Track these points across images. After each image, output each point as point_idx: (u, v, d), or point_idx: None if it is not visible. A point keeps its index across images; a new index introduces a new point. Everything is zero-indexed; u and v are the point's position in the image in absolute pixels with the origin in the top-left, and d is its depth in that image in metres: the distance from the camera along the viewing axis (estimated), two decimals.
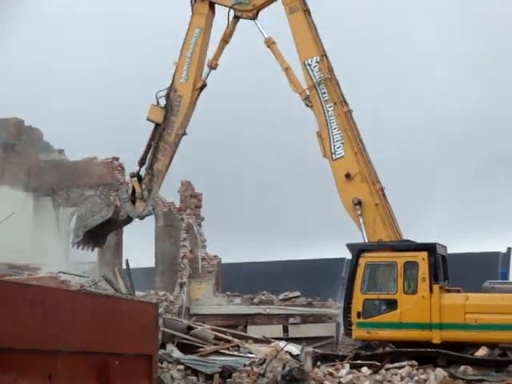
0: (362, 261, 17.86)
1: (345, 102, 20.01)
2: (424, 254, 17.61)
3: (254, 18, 20.99)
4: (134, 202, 21.84)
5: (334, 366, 16.54)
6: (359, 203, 19.12)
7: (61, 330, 9.28)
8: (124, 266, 25.98)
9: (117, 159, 28.74)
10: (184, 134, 21.65)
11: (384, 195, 19.50)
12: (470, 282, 19.17)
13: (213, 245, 27.78)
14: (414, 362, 16.39)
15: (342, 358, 17.32)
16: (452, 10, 46.44)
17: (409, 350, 17.20)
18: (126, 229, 28.68)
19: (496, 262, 32.65)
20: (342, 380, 15.49)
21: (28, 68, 46.25)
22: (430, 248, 17.79)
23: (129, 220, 22.69)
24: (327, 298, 25.23)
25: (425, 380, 15.41)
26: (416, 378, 15.55)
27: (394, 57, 45.35)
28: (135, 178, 21.79)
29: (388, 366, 16.33)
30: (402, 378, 15.54)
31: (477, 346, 17.14)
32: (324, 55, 20.12)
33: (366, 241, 19.07)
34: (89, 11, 48.67)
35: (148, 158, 21.61)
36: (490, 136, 45.43)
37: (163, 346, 17.57)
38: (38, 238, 28.07)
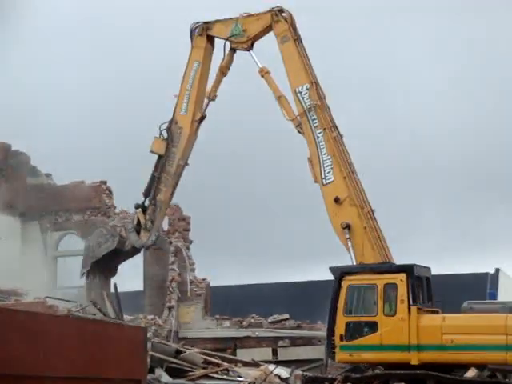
0: (344, 284, 18.08)
1: (335, 127, 20.40)
2: (402, 276, 17.75)
3: (250, 49, 21.64)
4: (138, 233, 22.57)
5: None
6: (348, 227, 19.34)
7: (48, 355, 9.24)
8: (112, 290, 25.88)
9: (104, 183, 28.70)
10: (186, 164, 22.37)
11: (373, 218, 19.69)
12: (458, 304, 19.18)
13: (201, 268, 27.74)
14: None
15: (332, 381, 17.29)
16: (438, 34, 46.91)
17: (398, 372, 17.18)
18: None
19: (485, 283, 32.70)
20: None
21: (14, 91, 46.23)
22: (408, 270, 17.91)
23: (135, 250, 23.30)
24: (316, 321, 25.16)
25: None
26: None
27: (380, 81, 45.66)
28: (140, 209, 22.48)
29: None
30: None
31: (463, 367, 17.14)
32: (314, 82, 20.59)
33: (353, 263, 19.15)
34: (76, 32, 48.79)
35: (152, 189, 22.29)
36: (478, 158, 45.71)
37: (152, 371, 17.47)
38: (25, 263, 27.93)
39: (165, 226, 27.66)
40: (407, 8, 45.86)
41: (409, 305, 17.47)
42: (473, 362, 17.13)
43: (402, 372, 17.13)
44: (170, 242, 27.25)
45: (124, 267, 28.58)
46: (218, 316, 26.60)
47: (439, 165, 45.29)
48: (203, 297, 26.84)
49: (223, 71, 22.01)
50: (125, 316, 24.12)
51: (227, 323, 26.14)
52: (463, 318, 17.47)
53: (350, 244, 19.30)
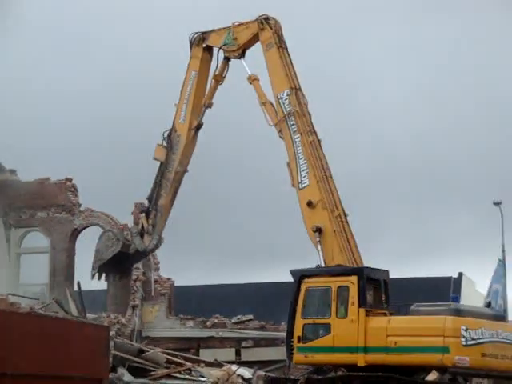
0: (303, 286, 18.23)
1: (313, 132, 20.73)
2: (354, 279, 17.85)
3: (241, 56, 22.39)
4: (143, 237, 23.71)
5: None
6: (319, 230, 19.66)
7: (9, 352, 9.16)
8: (76, 288, 25.70)
9: (70, 180, 28.49)
10: (185, 171, 23.38)
11: (345, 221, 19.98)
12: None
13: (166, 267, 27.66)
14: None
15: (294, 382, 17.32)
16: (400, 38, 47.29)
17: (360, 374, 17.26)
18: (78, 250, 28.48)
19: (448, 287, 32.97)
20: None
21: None
22: (358, 272, 18.08)
23: (142, 253, 24.15)
24: (280, 322, 25.20)
25: None
26: None
27: (343, 82, 45.87)
28: (144, 214, 23.57)
29: None
30: None
31: (408, 369, 17.23)
32: (295, 88, 21.04)
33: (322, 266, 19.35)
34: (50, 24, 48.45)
35: (154, 194, 23.37)
36: (439, 161, 46.15)
37: (114, 370, 17.39)
38: None
39: (130, 224, 27.54)
40: (374, 8, 46.27)
41: (358, 307, 17.60)
42: (414, 364, 17.14)
43: (364, 374, 17.20)
44: None
45: (88, 266, 28.49)
46: (181, 316, 26.55)
47: (401, 165, 45.70)
48: (167, 296, 26.78)
49: (218, 79, 22.83)
50: (88, 314, 23.99)
51: (191, 323, 26.11)
52: (406, 320, 17.60)
53: (319, 247, 19.56)
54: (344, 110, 45.16)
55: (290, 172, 20.50)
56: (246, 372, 19.25)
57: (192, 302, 30.93)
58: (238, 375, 18.32)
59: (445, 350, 16.62)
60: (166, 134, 23.12)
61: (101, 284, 27.65)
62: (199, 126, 23.06)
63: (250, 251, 42.06)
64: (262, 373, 18.70)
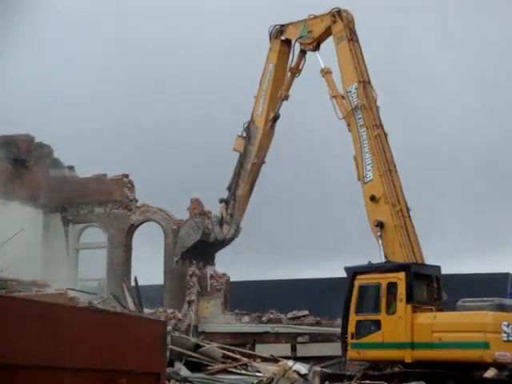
0: (356, 283, 18.39)
1: (379, 125, 20.74)
2: (401, 275, 17.91)
3: (315, 49, 22.57)
4: (222, 226, 24.40)
5: None
6: (380, 225, 19.69)
7: (69, 346, 9.28)
8: (133, 283, 25.97)
9: (126, 176, 28.80)
10: (262, 162, 23.85)
11: (407, 216, 19.94)
12: None
13: (222, 263, 27.77)
14: (423, 383, 16.31)
15: (350, 378, 17.29)
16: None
17: (417, 370, 17.15)
18: (135, 246, 28.77)
19: (505, 283, 32.50)
20: None
21: (40, 84, 46.50)
22: (406, 268, 18.10)
23: (223, 242, 24.71)
24: (336, 318, 25.10)
25: None
26: None
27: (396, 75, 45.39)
28: (223, 204, 24.18)
29: None
30: None
31: (453, 364, 17.08)
32: (363, 82, 21.04)
33: (382, 261, 19.36)
34: (102, 19, 48.95)
35: (233, 184, 23.95)
36: (499, 157, 45.42)
37: (171, 364, 17.52)
38: (47, 255, 28.09)
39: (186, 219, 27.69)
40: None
41: (406, 303, 17.63)
42: (457, 360, 17.10)
43: (421, 370, 17.08)
44: None
45: (144, 261, 28.76)
46: (237, 311, 26.62)
47: (458, 162, 45.09)
48: (223, 292, 26.86)
49: (294, 72, 23.09)
50: (145, 309, 24.21)
51: (246, 318, 26.15)
52: (451, 316, 17.59)
53: (380, 242, 19.61)
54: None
55: (355, 166, 20.55)
56: (302, 368, 19.19)
57: (247, 297, 30.99)
58: (294, 371, 18.28)
59: (485, 345, 16.52)
60: (245, 126, 23.57)
61: (157, 279, 27.94)
62: (276, 118, 23.31)
63: (303, 246, 41.97)
64: (318, 368, 18.64)
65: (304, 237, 42.63)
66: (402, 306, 17.64)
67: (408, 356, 17.37)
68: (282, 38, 23.01)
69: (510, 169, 44.67)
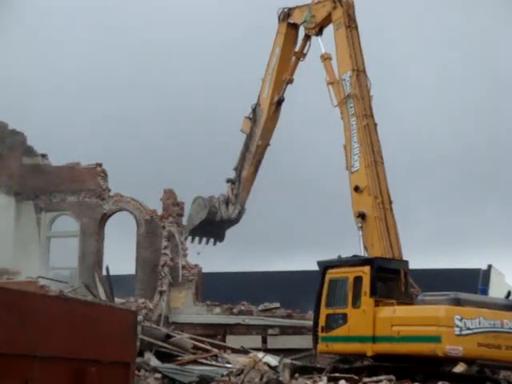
0: (327, 277, 18.55)
1: (370, 115, 20.65)
2: (366, 269, 18.07)
3: (318, 34, 22.42)
4: (228, 205, 24.33)
5: (311, 378, 16.54)
6: (362, 216, 19.68)
7: (38, 335, 9.24)
8: (104, 273, 25.89)
9: (100, 165, 28.66)
10: (267, 145, 23.81)
11: (388, 209, 19.94)
12: None
13: (193, 254, 27.74)
14: (392, 377, 16.42)
15: (320, 371, 17.36)
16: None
17: (386, 364, 17.25)
18: (107, 235, 28.66)
19: (476, 279, 32.75)
20: None
21: (13, 70, 46.09)
22: (370, 262, 18.25)
23: (229, 221, 24.52)
24: (307, 310, 25.19)
25: None
26: None
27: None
28: (229, 183, 24.18)
29: (365, 379, 16.36)
30: None
31: (410, 358, 17.22)
32: (357, 70, 20.89)
33: (363, 253, 19.50)
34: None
35: (239, 165, 23.98)
36: (465, 150, 45.76)
37: (141, 354, 17.50)
38: (18, 242, 27.91)
39: (159, 210, 27.66)
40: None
41: (370, 297, 17.79)
42: (412, 354, 17.20)
43: (391, 364, 17.19)
44: (163, 227, 27.24)
45: (116, 250, 28.65)
46: (208, 302, 26.62)
47: (426, 158, 45.36)
48: (194, 282, 26.86)
49: (298, 56, 23.02)
50: (116, 299, 24.15)
51: (218, 310, 26.16)
52: (409, 310, 17.74)
53: (360, 233, 19.62)
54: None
55: (345, 154, 20.54)
56: (273, 359, 19.25)
57: (219, 288, 31.01)
58: (265, 362, 18.32)
59: (437, 339, 16.62)
60: (252, 108, 23.65)
61: (129, 269, 27.87)
62: (280, 102, 23.28)
63: (276, 239, 42.06)
64: (288, 361, 18.70)
65: (276, 229, 42.70)
66: (365, 299, 17.81)
67: (369, 350, 17.53)
68: (289, 21, 22.96)
69: (486, 164, 45.08)
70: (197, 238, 25.20)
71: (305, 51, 23.03)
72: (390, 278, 18.49)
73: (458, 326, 16.75)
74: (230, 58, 46.07)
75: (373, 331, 17.53)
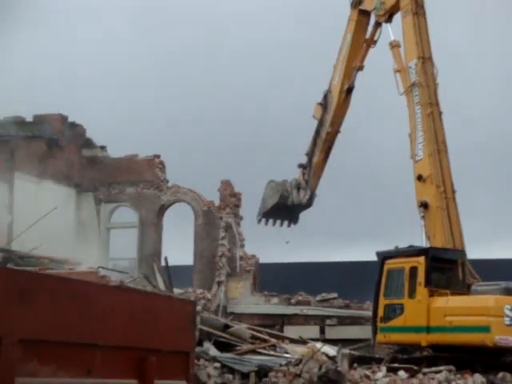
0: (385, 267, 18.69)
1: (435, 104, 20.57)
2: (421, 259, 18.08)
3: (388, 21, 22.36)
4: (299, 190, 24.54)
5: (370, 368, 16.49)
6: (425, 205, 19.65)
7: (100, 324, 9.37)
8: (163, 263, 26.14)
9: (158, 157, 28.95)
10: (337, 132, 23.78)
11: (451, 198, 19.91)
12: None
13: (251, 244, 27.86)
14: (452, 367, 16.30)
15: (379, 361, 17.33)
16: None
17: (446, 354, 17.14)
18: (165, 226, 28.94)
19: None
20: (378, 383, 15.41)
21: (73, 64, 46.71)
22: (425, 253, 18.24)
23: (302, 205, 24.68)
24: (364, 301, 25.11)
25: None
26: (453, 383, 15.41)
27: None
28: (301, 169, 24.37)
29: (425, 370, 16.24)
30: (440, 383, 15.42)
31: (464, 348, 17.07)
32: (423, 58, 20.79)
33: (424, 243, 19.40)
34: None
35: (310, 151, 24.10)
36: None
37: (200, 344, 17.62)
38: (79, 233, 28.35)
39: (216, 201, 27.81)
40: None
41: (424, 287, 17.85)
42: (464, 344, 17.18)
43: (451, 355, 17.06)
44: (221, 218, 27.38)
45: (174, 242, 28.89)
46: (266, 292, 26.69)
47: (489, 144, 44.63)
48: (252, 273, 26.95)
49: (368, 43, 22.98)
50: (174, 289, 24.36)
51: (275, 300, 26.21)
52: (461, 300, 17.66)
53: (422, 223, 19.68)
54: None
55: (410, 143, 20.47)
56: (331, 350, 19.22)
57: (276, 279, 31.07)
58: (323, 353, 18.31)
59: (486, 329, 16.48)
60: (324, 94, 23.68)
61: (187, 260, 28.10)
62: (350, 89, 23.25)
63: (334, 230, 41.93)
64: (346, 351, 18.66)
65: (334, 219, 42.55)
66: (420, 290, 17.91)
67: (424, 340, 17.67)
68: (360, 7, 22.94)
69: None
70: (270, 221, 25.53)
71: (375, 38, 22.95)
72: (447, 269, 18.43)
73: (508, 316, 16.66)
74: (303, 39, 45.87)
75: (427, 321, 17.61)
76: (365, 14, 22.93)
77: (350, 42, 22.91)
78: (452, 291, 18.00)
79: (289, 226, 25.65)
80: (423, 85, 20.53)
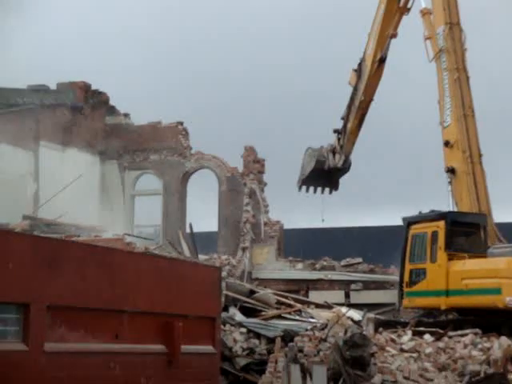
0: (410, 232, 18.80)
1: (462, 69, 20.51)
2: (441, 223, 18.16)
3: None
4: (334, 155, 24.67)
5: (395, 332, 16.53)
6: (452, 171, 19.75)
7: (127, 290, 9.46)
8: (188, 230, 26.26)
9: (181, 123, 28.94)
10: (370, 100, 23.74)
11: (478, 163, 19.90)
12: None
13: (275, 210, 27.88)
14: (478, 330, 16.30)
15: (404, 325, 17.36)
16: None
17: (472, 317, 17.17)
18: (190, 193, 29.00)
19: None
20: (404, 346, 15.43)
21: (96, 31, 46.66)
22: (445, 217, 18.30)
23: (337, 170, 24.82)
24: (389, 265, 25.11)
25: (488, 348, 15.21)
26: (480, 346, 15.38)
27: None
28: (336, 134, 24.48)
29: (451, 333, 16.26)
30: (466, 346, 15.41)
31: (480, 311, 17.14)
32: (450, 23, 20.73)
33: (452, 208, 19.58)
34: None
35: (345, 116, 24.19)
36: None
37: (226, 309, 17.74)
38: (104, 201, 28.52)
39: (239, 167, 27.82)
40: None
41: (444, 251, 17.95)
42: (478, 307, 17.24)
43: (476, 318, 17.07)
44: (245, 184, 27.40)
45: (198, 208, 28.96)
46: (291, 258, 26.75)
47: None
48: (276, 239, 27.00)
49: (402, 11, 22.72)
50: (199, 256, 24.51)
51: (300, 265, 26.28)
52: (476, 263, 17.78)
53: (449, 188, 19.74)
54: None
55: (439, 110, 20.49)
56: (356, 314, 19.28)
57: (301, 245, 31.12)
58: (348, 317, 18.37)
59: (498, 291, 16.55)
60: (359, 62, 23.62)
61: (211, 226, 28.20)
62: (383, 59, 23.16)
63: (359, 194, 41.80)
64: (372, 315, 18.71)
65: (358, 184, 42.39)
66: (440, 254, 18.00)
67: (443, 303, 17.79)
68: None
69: None
70: (311, 188, 25.61)
71: (408, 6, 22.75)
72: (468, 232, 18.54)
73: None
74: (339, 6, 45.38)
75: (446, 285, 17.74)
76: None
77: (384, 11, 22.77)
78: (472, 255, 18.06)
79: (330, 192, 25.82)
80: (450, 50, 20.53)
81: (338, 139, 24.37)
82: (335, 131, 24.54)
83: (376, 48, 22.93)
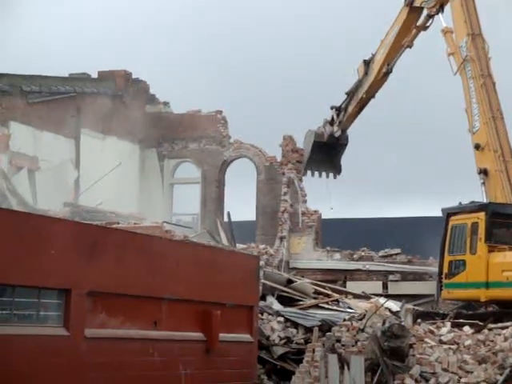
0: (449, 224, 18.77)
1: (488, 75, 21.06)
2: (481, 215, 18.11)
3: (438, 12, 22.73)
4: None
5: (434, 323, 16.42)
6: (484, 172, 20.15)
7: (166, 278, 9.53)
8: (226, 219, 26.31)
9: (220, 113, 28.98)
10: (371, 97, 24.76)
11: (510, 161, 20.21)
12: None
13: (313, 200, 27.82)
14: None
15: (443, 317, 17.26)
16: None
17: (511, 310, 17.02)
18: (228, 182, 29.05)
19: None
20: (442, 338, 15.32)
21: (137, 21, 46.90)
22: (485, 208, 18.25)
23: (338, 145, 25.84)
24: (428, 256, 24.94)
25: None
26: None
27: None
28: (334, 109, 25.48)
29: (491, 326, 16.12)
30: (506, 339, 15.23)
31: None
32: (472, 34, 21.36)
33: None
34: None
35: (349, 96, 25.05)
36: None
37: (263, 298, 17.75)
38: (143, 189, 28.70)
39: (278, 156, 27.79)
40: None
41: (484, 243, 17.92)
42: None
43: None
44: (283, 173, 27.35)
45: (237, 197, 29.01)
46: (328, 248, 26.69)
47: None
48: (314, 228, 26.94)
49: (419, 29, 23.45)
50: (237, 245, 24.55)
51: (338, 255, 26.21)
52: None
53: (483, 188, 20.11)
54: None
55: (467, 118, 20.97)
56: (394, 305, 19.19)
57: (339, 234, 31.01)
58: (386, 308, 18.29)
59: None
60: (370, 57, 24.25)
61: (249, 215, 28.23)
62: (388, 72, 23.95)
63: (397, 185, 41.60)
64: (410, 306, 18.61)
65: (397, 175, 42.20)
66: (480, 245, 17.96)
67: (483, 295, 17.73)
68: (413, 5, 23.24)
69: None
70: (316, 173, 26.34)
71: (427, 25, 23.32)
72: (509, 224, 18.55)
73: None
74: None
75: (486, 277, 17.68)
76: (416, 10, 23.22)
77: (396, 36, 23.41)
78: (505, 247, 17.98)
79: (335, 177, 26.67)
80: (474, 58, 21.06)
81: (337, 115, 25.34)
82: (332, 108, 25.45)
83: (384, 60, 23.68)
